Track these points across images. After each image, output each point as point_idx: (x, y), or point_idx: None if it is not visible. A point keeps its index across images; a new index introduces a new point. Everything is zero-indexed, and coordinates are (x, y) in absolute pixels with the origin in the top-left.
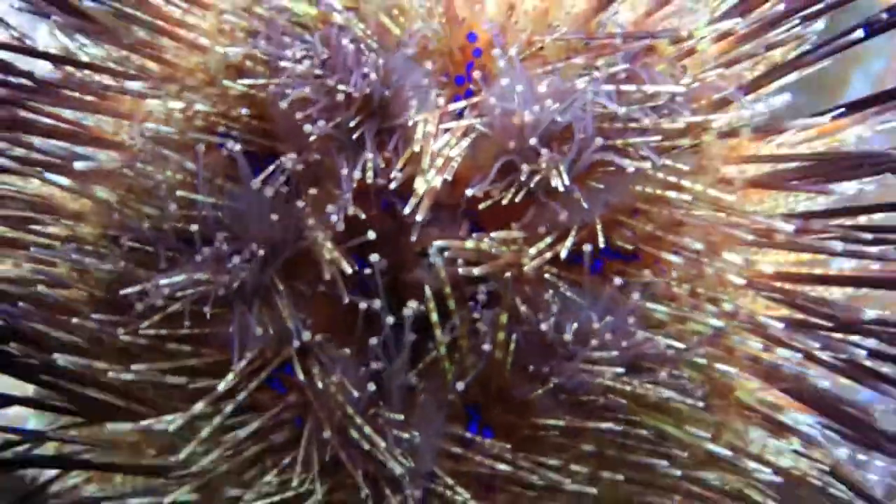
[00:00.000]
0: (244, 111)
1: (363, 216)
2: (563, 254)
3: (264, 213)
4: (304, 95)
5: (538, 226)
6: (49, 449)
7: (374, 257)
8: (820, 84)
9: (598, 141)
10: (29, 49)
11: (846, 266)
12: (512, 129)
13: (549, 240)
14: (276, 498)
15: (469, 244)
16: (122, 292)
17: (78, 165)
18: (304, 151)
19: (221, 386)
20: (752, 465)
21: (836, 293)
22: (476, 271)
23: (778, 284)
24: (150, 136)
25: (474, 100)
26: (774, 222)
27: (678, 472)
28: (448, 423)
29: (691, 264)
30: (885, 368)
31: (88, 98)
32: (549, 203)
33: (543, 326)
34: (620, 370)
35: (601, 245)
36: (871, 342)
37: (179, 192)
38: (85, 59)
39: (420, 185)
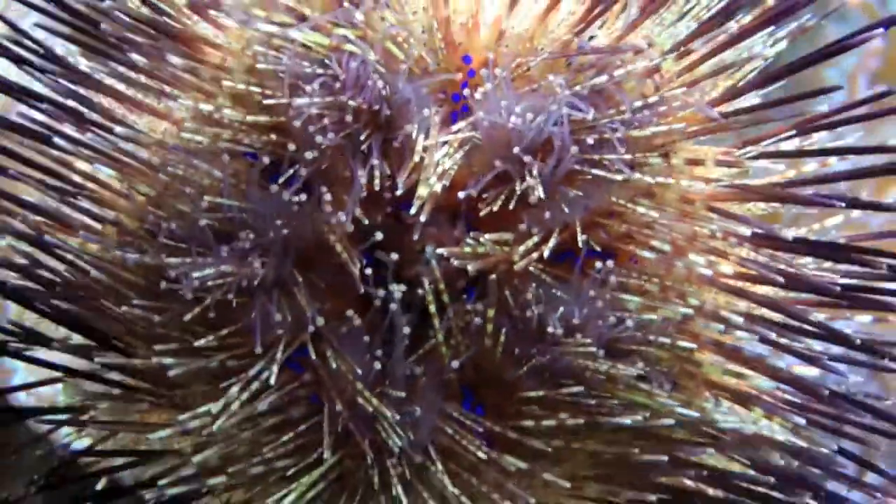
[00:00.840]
0: (265, 123)
1: (367, 221)
2: (546, 253)
3: (283, 214)
4: (319, 111)
5: (525, 227)
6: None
7: (381, 254)
8: (795, 79)
9: (574, 150)
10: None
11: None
12: (499, 140)
13: (535, 239)
14: (293, 459)
15: (466, 248)
16: (163, 287)
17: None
18: (318, 159)
19: (254, 371)
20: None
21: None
22: (470, 268)
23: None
24: (182, 143)
25: (468, 115)
26: (734, 226)
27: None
28: (445, 401)
29: (661, 261)
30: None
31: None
32: (533, 207)
33: (529, 315)
34: (599, 352)
35: (580, 244)
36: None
37: (208, 196)
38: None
39: (423, 190)
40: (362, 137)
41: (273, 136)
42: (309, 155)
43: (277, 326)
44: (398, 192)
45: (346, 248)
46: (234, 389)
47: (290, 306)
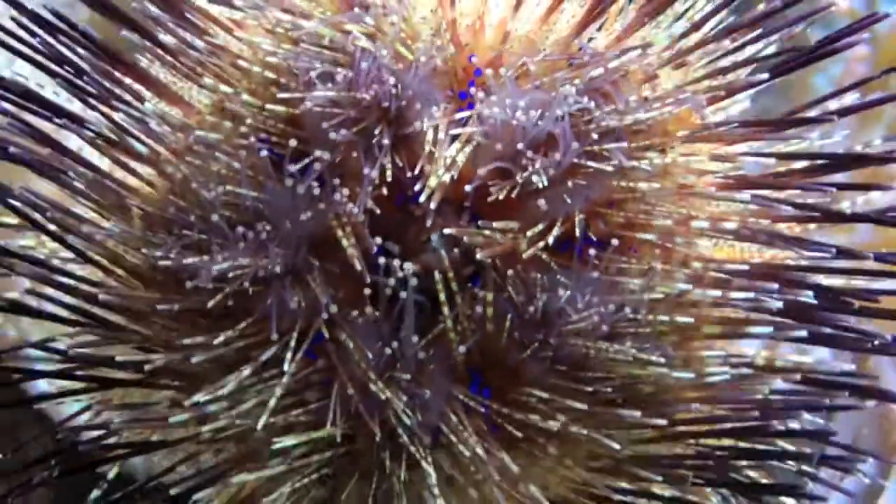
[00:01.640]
0: (281, 118)
1: (379, 212)
2: (550, 241)
3: (298, 207)
4: (333, 107)
5: (530, 217)
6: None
7: (391, 244)
8: (783, 85)
9: (575, 146)
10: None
11: None
12: (503, 135)
13: (540, 227)
14: (306, 437)
15: (477, 237)
16: (188, 284)
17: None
18: (332, 153)
19: (267, 354)
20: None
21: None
22: (478, 256)
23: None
24: (202, 140)
25: (475, 111)
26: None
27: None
28: (454, 383)
29: (661, 240)
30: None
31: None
32: (536, 199)
33: (534, 301)
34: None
35: (578, 234)
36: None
37: (226, 187)
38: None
39: (433, 181)
40: (374, 132)
41: (289, 128)
42: (322, 149)
43: (292, 314)
44: (409, 185)
45: (361, 237)
46: (247, 371)
47: (303, 294)
